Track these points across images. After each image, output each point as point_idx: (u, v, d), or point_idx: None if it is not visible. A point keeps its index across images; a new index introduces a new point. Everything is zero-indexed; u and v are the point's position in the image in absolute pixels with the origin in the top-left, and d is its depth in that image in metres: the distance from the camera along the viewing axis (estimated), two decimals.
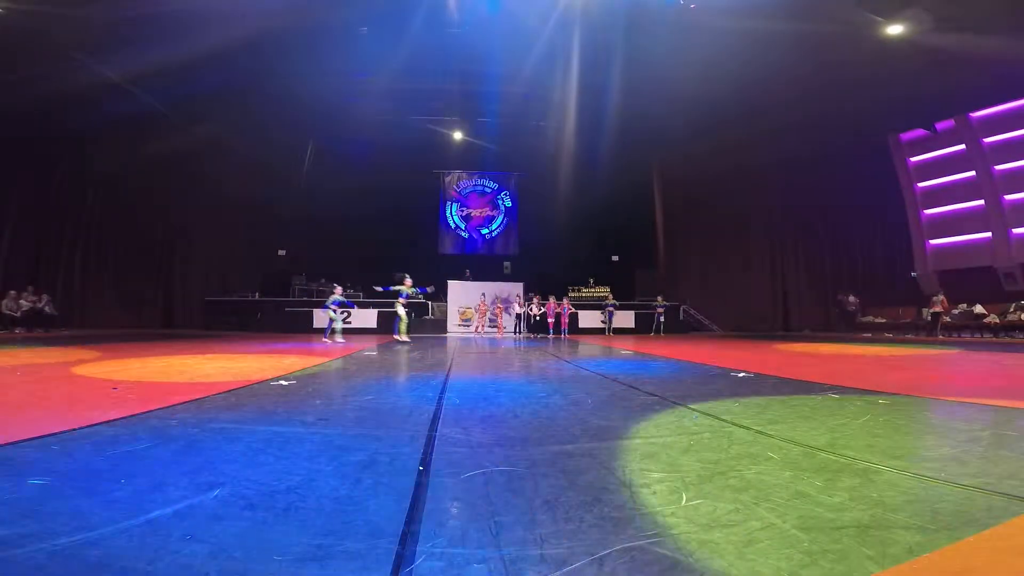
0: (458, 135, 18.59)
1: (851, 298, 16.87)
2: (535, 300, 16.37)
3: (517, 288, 17.24)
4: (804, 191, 17.61)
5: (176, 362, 6.07)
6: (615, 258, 20.22)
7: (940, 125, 15.32)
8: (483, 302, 16.27)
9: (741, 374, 4.97)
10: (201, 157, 16.30)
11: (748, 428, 2.54)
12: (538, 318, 15.93)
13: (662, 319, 16.83)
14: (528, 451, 2.16)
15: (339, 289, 11.59)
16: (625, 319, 17.76)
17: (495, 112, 16.89)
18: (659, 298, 17.21)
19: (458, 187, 20.91)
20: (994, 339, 12.50)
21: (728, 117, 15.18)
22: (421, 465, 1.91)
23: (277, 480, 1.70)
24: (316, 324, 16.40)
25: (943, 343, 11.22)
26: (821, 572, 1.12)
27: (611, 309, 16.87)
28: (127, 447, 2.10)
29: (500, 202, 21.05)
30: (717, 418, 2.81)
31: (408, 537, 1.28)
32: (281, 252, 19.05)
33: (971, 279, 14.44)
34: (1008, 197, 14.05)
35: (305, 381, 4.30)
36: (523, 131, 17.87)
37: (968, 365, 6.32)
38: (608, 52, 12.79)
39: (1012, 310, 12.84)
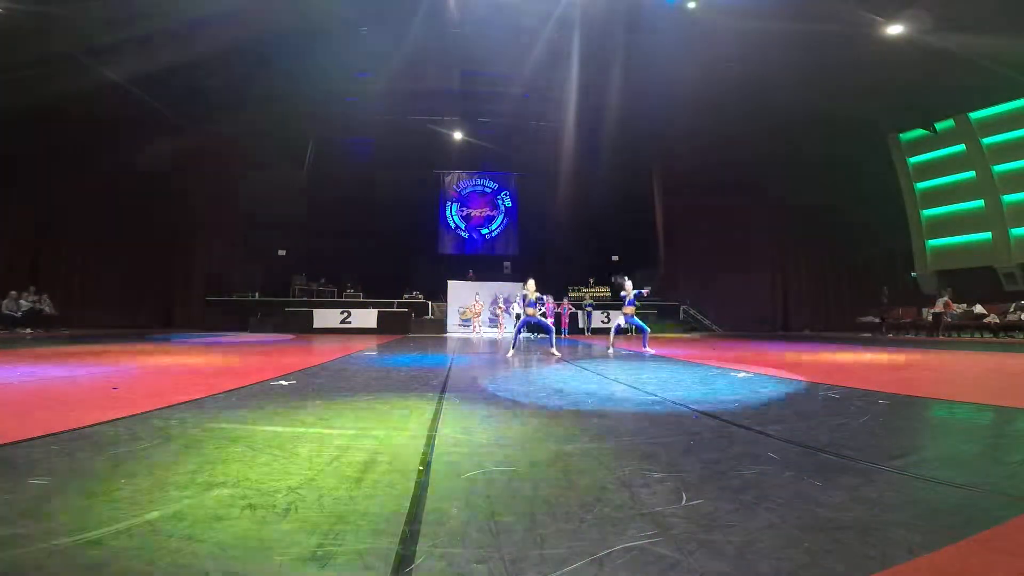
0: (458, 135, 18.60)
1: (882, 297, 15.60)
2: None
3: (517, 288, 17.23)
4: (804, 191, 17.60)
5: (176, 362, 6.07)
6: (615, 258, 20.22)
7: (940, 125, 15.32)
8: (477, 302, 16.19)
9: (741, 374, 4.97)
10: (201, 157, 16.30)
11: (748, 428, 2.54)
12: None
13: (591, 316, 16.36)
14: (528, 451, 2.16)
15: (531, 283, 8.13)
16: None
17: (495, 112, 16.89)
18: (587, 295, 17.05)
19: (458, 187, 20.91)
20: (994, 339, 12.49)
21: (728, 117, 15.19)
22: (421, 465, 1.91)
23: (277, 480, 1.70)
24: (316, 324, 16.39)
25: (943, 343, 11.22)
26: (821, 572, 1.12)
27: (589, 309, 16.81)
28: (127, 447, 2.10)
29: (500, 202, 21.04)
30: (717, 418, 2.81)
31: (408, 537, 1.28)
32: (281, 252, 19.05)
33: (971, 279, 14.42)
34: (1008, 197, 14.03)
35: (305, 381, 4.31)
36: (523, 131, 17.87)
37: (968, 365, 6.32)
38: (608, 52, 12.79)
39: (1012, 310, 12.82)
